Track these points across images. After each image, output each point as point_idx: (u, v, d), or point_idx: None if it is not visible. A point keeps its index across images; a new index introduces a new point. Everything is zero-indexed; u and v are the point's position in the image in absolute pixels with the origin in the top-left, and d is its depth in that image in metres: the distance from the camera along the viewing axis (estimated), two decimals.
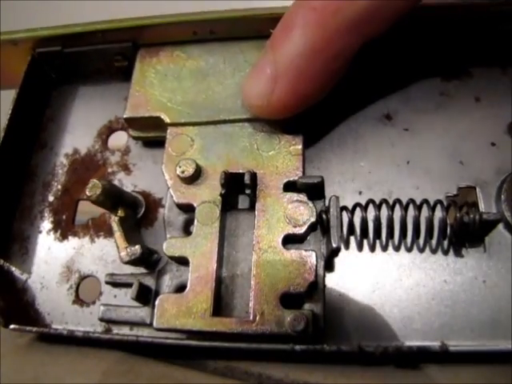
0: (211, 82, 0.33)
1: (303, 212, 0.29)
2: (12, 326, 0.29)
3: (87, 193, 0.29)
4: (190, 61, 0.34)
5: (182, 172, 0.30)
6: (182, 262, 0.29)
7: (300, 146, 0.31)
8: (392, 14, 0.27)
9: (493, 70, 0.33)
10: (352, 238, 0.30)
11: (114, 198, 0.31)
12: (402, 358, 0.25)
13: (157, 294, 0.30)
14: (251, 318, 0.27)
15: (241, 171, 0.30)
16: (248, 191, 0.29)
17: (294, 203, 0.29)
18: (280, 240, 0.28)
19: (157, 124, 0.33)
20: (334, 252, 0.27)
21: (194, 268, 0.28)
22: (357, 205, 0.29)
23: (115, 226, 0.31)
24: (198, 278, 0.28)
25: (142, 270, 0.31)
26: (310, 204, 0.29)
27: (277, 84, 0.27)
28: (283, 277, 0.27)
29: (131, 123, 0.34)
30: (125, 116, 0.33)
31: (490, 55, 0.33)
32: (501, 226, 0.29)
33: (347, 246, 0.30)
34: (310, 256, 0.27)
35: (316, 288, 0.28)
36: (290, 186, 0.30)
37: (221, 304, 0.28)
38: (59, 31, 0.35)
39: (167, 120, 0.32)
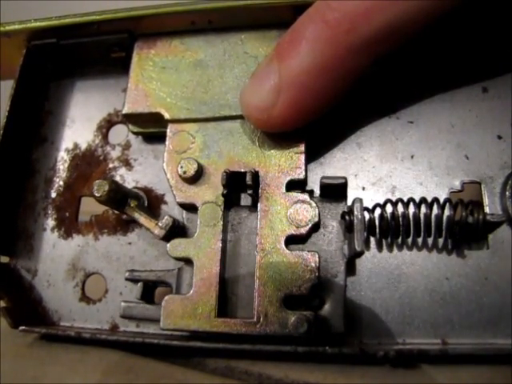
0: (211, 75, 0.33)
1: (306, 212, 0.28)
2: (21, 328, 0.29)
3: (96, 194, 0.29)
4: (189, 52, 0.33)
5: (184, 172, 0.30)
6: (188, 262, 0.29)
7: (302, 144, 0.30)
8: (410, 33, 0.26)
9: (502, 59, 0.32)
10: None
11: (120, 194, 0.31)
12: (401, 358, 0.26)
13: (178, 292, 0.30)
14: (255, 319, 0.27)
15: (242, 170, 0.30)
16: (250, 191, 0.29)
17: (297, 203, 0.29)
18: (283, 241, 0.28)
19: (157, 119, 0.33)
20: (357, 255, 0.27)
21: (198, 269, 0.28)
22: (376, 205, 0.29)
23: (136, 213, 0.31)
24: (203, 280, 0.28)
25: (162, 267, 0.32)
26: (313, 204, 0.29)
27: (279, 97, 0.26)
28: (286, 278, 0.27)
29: (131, 119, 0.33)
30: (124, 112, 0.33)
31: (500, 44, 0.32)
32: (504, 224, 0.29)
33: (368, 247, 0.30)
34: (312, 257, 0.28)
35: (336, 288, 0.28)
36: (292, 185, 0.29)
37: (226, 304, 0.29)
38: (53, 23, 0.34)
39: (167, 116, 0.32)
